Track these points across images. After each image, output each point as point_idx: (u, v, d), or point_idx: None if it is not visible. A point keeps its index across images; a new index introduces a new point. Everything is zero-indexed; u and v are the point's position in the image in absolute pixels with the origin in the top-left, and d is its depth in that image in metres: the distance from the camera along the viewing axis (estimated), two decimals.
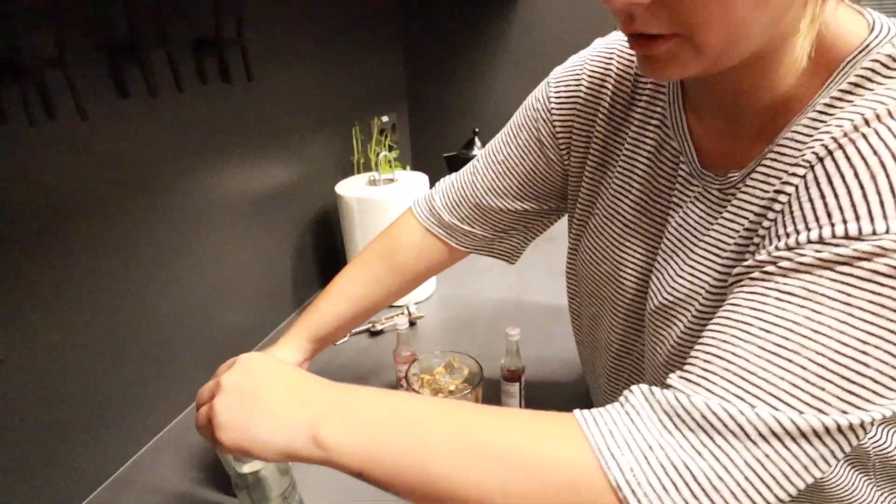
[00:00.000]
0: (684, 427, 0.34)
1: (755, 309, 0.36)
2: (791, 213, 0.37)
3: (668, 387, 0.37)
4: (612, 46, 0.59)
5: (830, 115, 0.39)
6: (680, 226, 0.51)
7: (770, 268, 0.37)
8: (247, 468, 0.52)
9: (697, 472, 0.33)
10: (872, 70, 0.38)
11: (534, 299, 1.14)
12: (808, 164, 0.37)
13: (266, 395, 0.44)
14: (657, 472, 0.33)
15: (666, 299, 0.50)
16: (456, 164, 1.43)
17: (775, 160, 0.43)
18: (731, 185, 0.47)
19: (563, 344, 0.96)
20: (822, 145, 0.37)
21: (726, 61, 0.40)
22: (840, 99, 0.39)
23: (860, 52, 0.39)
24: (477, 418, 0.40)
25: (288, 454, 0.42)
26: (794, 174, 0.39)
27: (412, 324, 1.07)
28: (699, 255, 0.48)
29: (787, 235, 0.37)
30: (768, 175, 0.43)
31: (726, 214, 0.46)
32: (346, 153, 1.29)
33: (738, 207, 0.45)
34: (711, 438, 0.33)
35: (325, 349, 0.74)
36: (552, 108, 0.62)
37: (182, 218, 0.83)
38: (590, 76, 0.60)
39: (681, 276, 0.50)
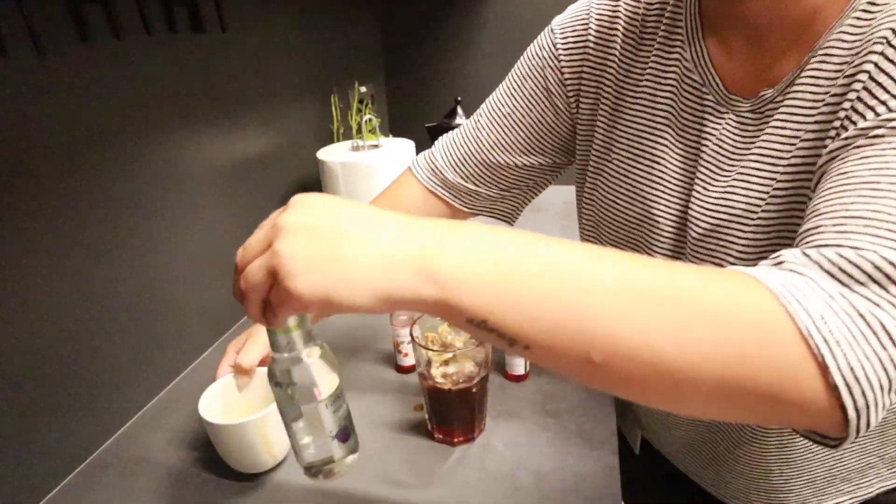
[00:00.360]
0: (853, 282, 0.31)
1: (876, 168, 0.34)
2: (880, 84, 0.37)
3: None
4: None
5: (876, 11, 0.39)
6: (715, 151, 0.51)
7: (879, 131, 0.35)
8: (305, 355, 0.41)
9: (885, 320, 0.30)
10: None
11: None
12: (882, 41, 0.37)
13: (351, 227, 0.33)
14: (845, 321, 0.30)
15: (716, 220, 0.49)
16: (438, 133, 1.38)
17: (824, 62, 0.42)
18: (768, 100, 0.47)
19: None
20: None
21: None
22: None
23: None
24: (636, 260, 0.33)
25: (388, 296, 0.32)
26: (868, 54, 0.38)
27: None
28: (750, 169, 0.48)
29: (885, 102, 0.36)
30: (818, 77, 0.43)
31: (775, 123, 0.46)
32: (323, 121, 1.23)
33: (790, 113, 0.45)
34: (885, 289, 0.30)
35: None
36: (560, 55, 0.61)
37: (154, 178, 0.76)
38: (598, 20, 0.59)
39: (731, 194, 0.49)
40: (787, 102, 0.45)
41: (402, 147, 1.08)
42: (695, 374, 0.30)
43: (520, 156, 0.66)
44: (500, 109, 0.66)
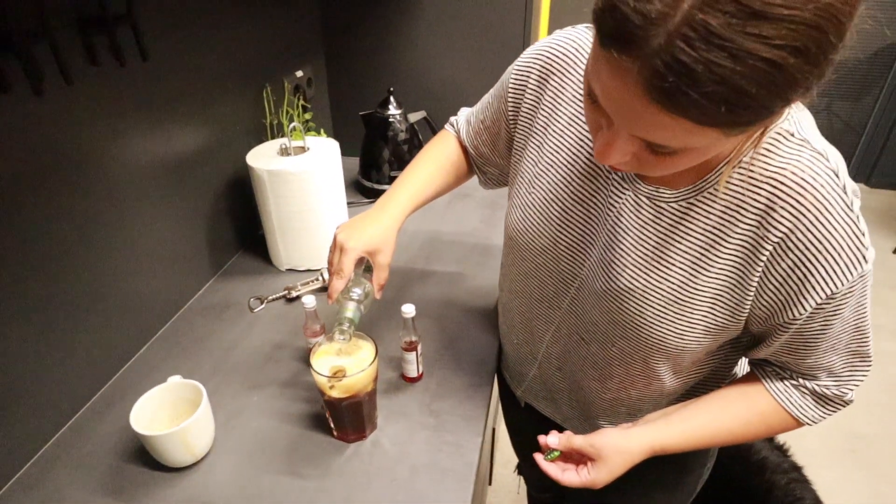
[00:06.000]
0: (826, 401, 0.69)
1: (821, 337, 0.62)
2: (806, 290, 0.58)
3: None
4: (562, 45, 0.72)
5: (754, 168, 0.57)
6: (615, 223, 0.66)
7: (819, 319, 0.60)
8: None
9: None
10: (775, 139, 0.57)
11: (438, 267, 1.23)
12: (778, 243, 0.57)
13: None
14: (816, 416, 0.69)
15: (630, 284, 0.65)
16: (372, 122, 1.45)
17: (715, 200, 0.60)
18: (665, 200, 0.63)
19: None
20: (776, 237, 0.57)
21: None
22: (761, 154, 0.57)
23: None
24: (737, 424, 0.70)
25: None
26: (763, 240, 0.58)
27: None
28: (668, 255, 0.63)
29: (811, 299, 0.58)
30: (715, 206, 0.60)
31: (678, 233, 0.63)
32: (258, 116, 1.29)
33: (692, 228, 0.62)
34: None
35: None
36: (508, 92, 0.79)
37: (89, 199, 0.84)
38: (539, 70, 0.74)
39: (648, 267, 0.65)
40: (691, 216, 0.61)
41: (329, 150, 1.15)
42: (754, 438, 0.71)
43: (492, 154, 0.88)
44: (479, 115, 0.88)
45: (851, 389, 0.67)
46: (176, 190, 1.04)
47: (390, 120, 1.44)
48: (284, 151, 1.14)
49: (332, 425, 0.81)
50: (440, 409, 0.86)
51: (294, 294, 1.11)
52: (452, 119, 0.96)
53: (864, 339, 0.63)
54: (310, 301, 0.88)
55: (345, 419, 0.79)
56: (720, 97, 0.40)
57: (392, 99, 1.44)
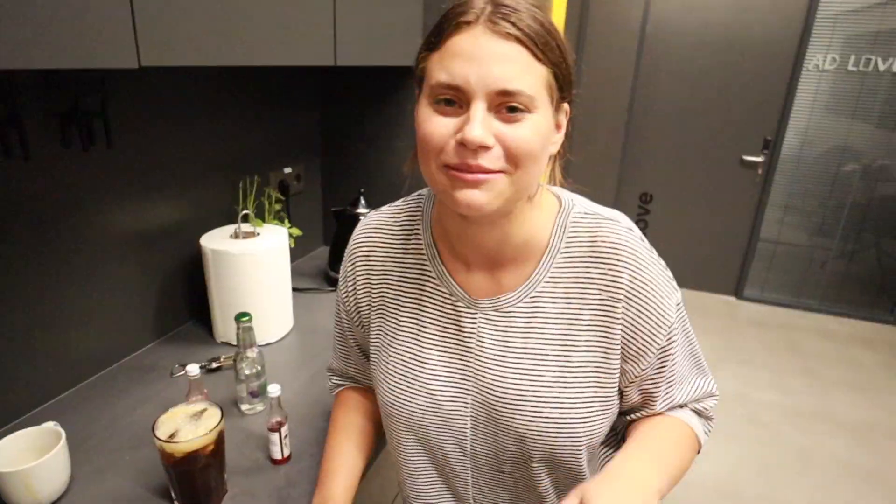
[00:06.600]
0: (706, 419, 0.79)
1: (671, 372, 0.71)
2: (643, 336, 0.67)
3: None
4: (364, 231, 0.78)
5: (572, 250, 0.67)
6: (481, 344, 0.70)
7: (665, 357, 0.70)
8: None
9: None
10: (575, 222, 0.68)
11: None
12: (621, 298, 0.66)
13: None
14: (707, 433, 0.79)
15: (517, 395, 0.68)
16: (342, 218, 1.57)
17: (556, 286, 0.68)
18: (510, 303, 0.69)
19: None
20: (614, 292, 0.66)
21: (519, 199, 0.62)
22: (571, 237, 0.68)
23: (561, 209, 0.69)
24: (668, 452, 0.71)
25: None
26: (611, 301, 0.66)
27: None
28: (531, 354, 0.68)
29: (654, 342, 0.68)
30: (556, 291, 0.68)
31: (539, 322, 0.68)
32: (232, 202, 1.44)
33: (546, 318, 0.68)
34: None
35: None
36: (343, 299, 0.82)
37: (58, 250, 0.97)
38: (359, 263, 0.78)
39: (523, 374, 0.68)
40: (539, 308, 0.68)
41: (274, 238, 1.26)
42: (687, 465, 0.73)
43: (363, 361, 0.86)
44: (340, 348, 0.88)
45: (712, 406, 0.78)
46: (136, 257, 1.17)
47: (359, 218, 1.55)
48: (236, 235, 1.27)
49: (172, 494, 0.83)
50: (289, 495, 0.87)
51: (214, 365, 1.18)
52: (329, 381, 0.93)
53: (700, 357, 0.76)
54: (193, 370, 0.94)
55: (182, 486, 0.81)
56: (532, 24, 0.56)
57: (362, 199, 1.57)
